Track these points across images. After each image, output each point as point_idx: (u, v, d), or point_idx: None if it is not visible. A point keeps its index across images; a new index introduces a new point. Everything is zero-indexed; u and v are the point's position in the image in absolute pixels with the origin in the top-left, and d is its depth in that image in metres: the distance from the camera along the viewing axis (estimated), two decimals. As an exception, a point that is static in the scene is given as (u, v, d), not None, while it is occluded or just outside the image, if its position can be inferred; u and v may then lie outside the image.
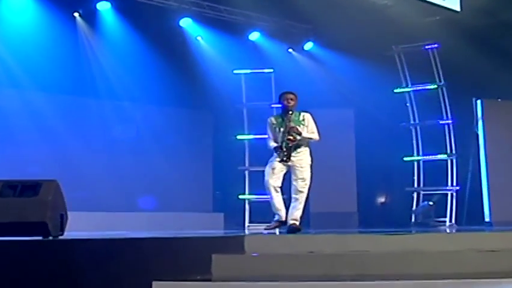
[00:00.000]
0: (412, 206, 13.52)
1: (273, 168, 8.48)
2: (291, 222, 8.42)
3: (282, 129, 8.48)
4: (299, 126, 8.51)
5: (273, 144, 8.59)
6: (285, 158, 8.38)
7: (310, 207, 13.69)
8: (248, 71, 13.80)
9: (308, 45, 15.39)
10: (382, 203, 16.04)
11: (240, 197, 13.46)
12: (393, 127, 14.07)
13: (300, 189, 8.44)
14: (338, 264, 6.02)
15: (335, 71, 14.73)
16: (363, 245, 6.46)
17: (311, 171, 8.61)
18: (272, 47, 14.89)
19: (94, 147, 13.03)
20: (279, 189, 8.55)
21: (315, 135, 8.64)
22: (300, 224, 8.50)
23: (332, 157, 14.28)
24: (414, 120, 13.76)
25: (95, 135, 13.22)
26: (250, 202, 13.37)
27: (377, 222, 13.52)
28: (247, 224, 13.28)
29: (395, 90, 13.77)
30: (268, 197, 8.63)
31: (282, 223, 8.64)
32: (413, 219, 13.27)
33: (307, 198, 8.53)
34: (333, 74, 14.74)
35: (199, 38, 14.53)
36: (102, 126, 13.37)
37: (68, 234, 6.60)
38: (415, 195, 13.59)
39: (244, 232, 11.14)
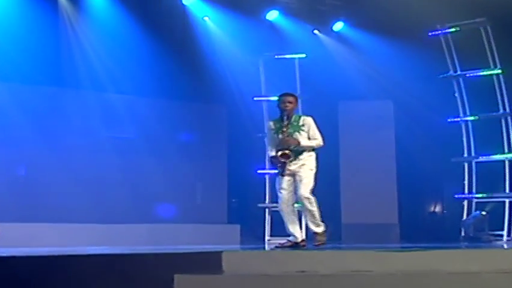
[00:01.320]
0: (462, 217, 13.22)
1: (282, 188, 8.77)
2: (316, 236, 8.71)
3: (280, 136, 8.75)
4: (298, 132, 8.78)
5: (270, 153, 8.90)
6: (279, 171, 8.72)
7: (342, 218, 14.24)
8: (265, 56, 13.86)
9: (338, 26, 15.06)
10: (428, 213, 15.59)
11: (260, 205, 13.52)
12: (439, 122, 13.82)
13: (304, 197, 8.63)
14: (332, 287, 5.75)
15: (370, 55, 14.47)
16: (365, 263, 6.19)
17: (315, 179, 8.85)
18: (294, 28, 14.57)
19: (76, 148, 12.79)
20: (294, 209, 8.91)
21: (318, 141, 8.87)
22: (325, 232, 8.78)
23: (367, 158, 14.44)
24: (464, 113, 13.51)
25: (77, 132, 12.90)
26: (272, 211, 13.28)
27: (421, 236, 13.41)
28: (267, 237, 13.31)
29: (441, 76, 13.53)
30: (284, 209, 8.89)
31: (297, 244, 8.85)
32: (462, 233, 12.94)
33: (319, 203, 8.77)
34: (368, 60, 14.52)
35: (206, 19, 14.28)
36: (86, 122, 13.05)
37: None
38: (466, 203, 13.32)
39: (264, 247, 11.26)
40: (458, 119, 13.47)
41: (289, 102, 8.75)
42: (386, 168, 14.42)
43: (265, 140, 9.09)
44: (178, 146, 14.06)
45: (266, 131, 9.05)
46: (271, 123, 8.93)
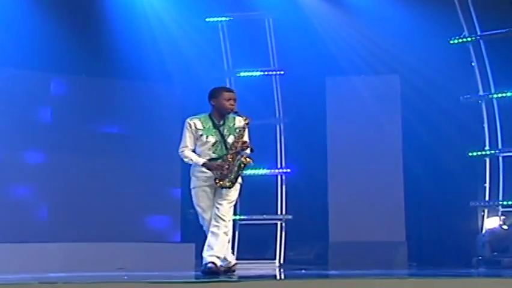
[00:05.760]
0: (482, 230, 13.23)
1: (208, 200, 9.24)
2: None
3: (215, 141, 9.17)
4: (233, 136, 9.24)
5: (197, 159, 9.18)
6: (228, 184, 9.08)
7: (330, 235, 14.38)
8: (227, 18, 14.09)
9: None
10: (446, 227, 14.81)
11: (224, 217, 13.62)
12: (453, 102, 13.78)
13: (223, 214, 9.11)
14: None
15: (365, 16, 14.40)
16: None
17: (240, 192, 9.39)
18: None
19: None
20: None
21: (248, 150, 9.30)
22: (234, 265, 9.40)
23: (364, 153, 14.36)
24: (484, 90, 13.44)
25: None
26: (241, 226, 13.71)
27: (435, 257, 13.63)
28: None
29: (453, 42, 13.50)
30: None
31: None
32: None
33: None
34: (362, 22, 14.45)
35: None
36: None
37: None
38: (485, 212, 13.33)
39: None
40: (477, 97, 13.41)
41: (235, 100, 9.21)
42: (389, 166, 14.33)
43: (184, 141, 9.15)
44: (108, 137, 14.22)
45: (186, 131, 9.20)
46: (196, 121, 9.20)
